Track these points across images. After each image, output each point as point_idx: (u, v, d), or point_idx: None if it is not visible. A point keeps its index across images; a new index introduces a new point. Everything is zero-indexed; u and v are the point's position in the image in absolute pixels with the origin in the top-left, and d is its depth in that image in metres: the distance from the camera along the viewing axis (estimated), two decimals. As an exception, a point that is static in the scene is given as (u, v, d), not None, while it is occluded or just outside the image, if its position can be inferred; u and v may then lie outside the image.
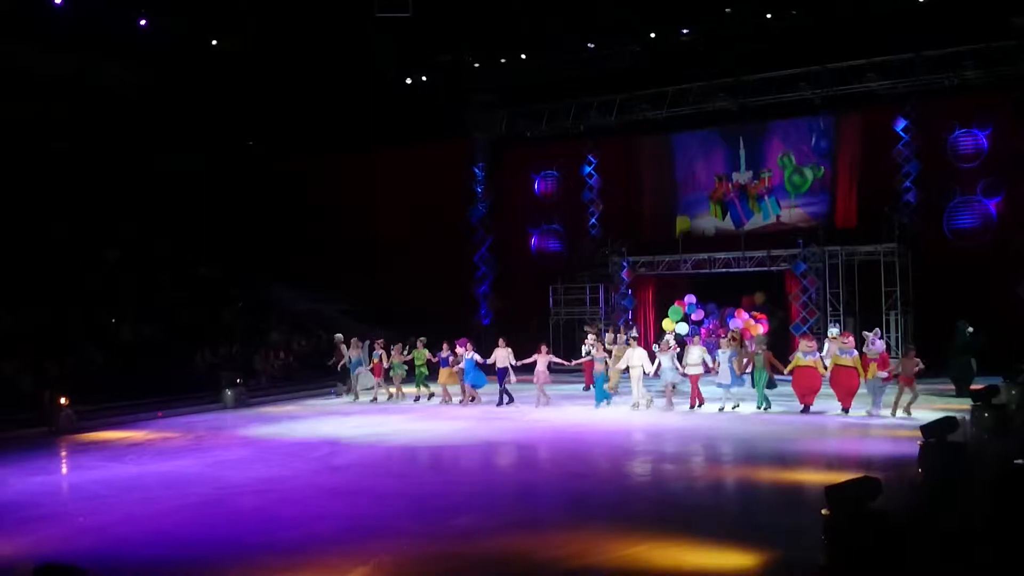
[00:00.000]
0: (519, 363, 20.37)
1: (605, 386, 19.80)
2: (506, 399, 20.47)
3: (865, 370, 17.14)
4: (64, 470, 14.83)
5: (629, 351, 19.42)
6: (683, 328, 25.71)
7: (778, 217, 28.11)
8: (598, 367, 19.71)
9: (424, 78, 29.81)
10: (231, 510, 11.69)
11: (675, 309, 26.33)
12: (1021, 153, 24.88)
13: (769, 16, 25.12)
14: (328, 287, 30.74)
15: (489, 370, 20.76)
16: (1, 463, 15.20)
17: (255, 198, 33.19)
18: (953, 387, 19.70)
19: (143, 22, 24.79)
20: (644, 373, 19.09)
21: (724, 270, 27.15)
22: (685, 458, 14.16)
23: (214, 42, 26.71)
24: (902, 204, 26.14)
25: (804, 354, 17.60)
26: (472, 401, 20.90)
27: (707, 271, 27.44)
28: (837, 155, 27.69)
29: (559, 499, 11.78)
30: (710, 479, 12.48)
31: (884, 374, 17.13)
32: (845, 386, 17.31)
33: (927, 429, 11.15)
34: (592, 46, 27.48)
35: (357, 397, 22.55)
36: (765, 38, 25.82)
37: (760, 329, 26.11)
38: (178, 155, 30.89)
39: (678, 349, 19.76)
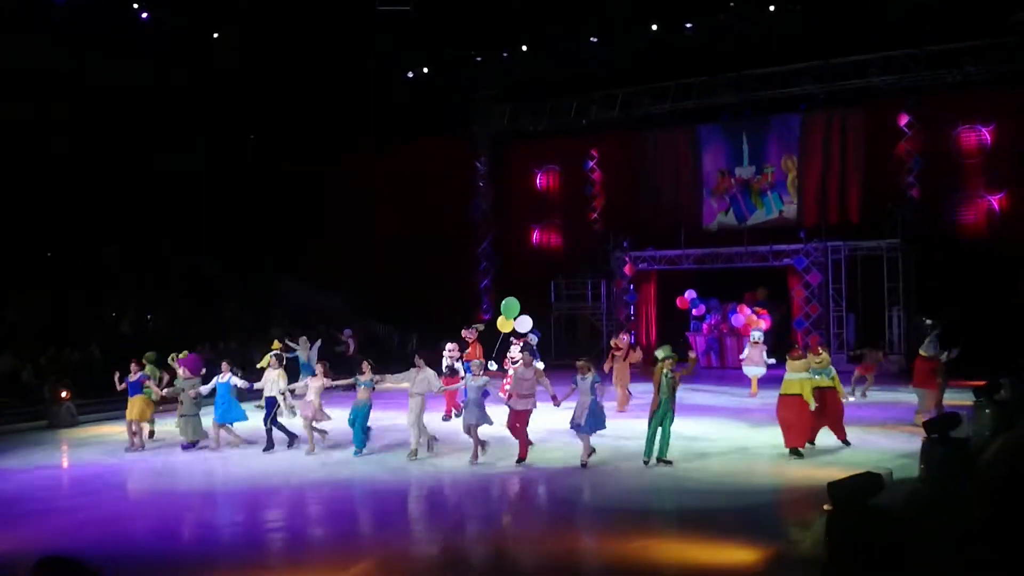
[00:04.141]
0: (287, 387, 15.29)
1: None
2: (288, 438, 14.94)
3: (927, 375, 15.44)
4: (64, 464, 14.80)
5: (412, 371, 14.13)
6: (526, 324, 18.30)
7: (781, 212, 28.04)
8: (361, 395, 14.41)
9: (426, 70, 29.74)
10: (231, 504, 11.69)
11: (510, 302, 18.53)
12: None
13: (772, 9, 25.06)
14: (330, 282, 30.72)
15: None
16: (1, 456, 15.20)
17: (257, 193, 33.18)
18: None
19: (144, 15, 24.77)
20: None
21: (726, 265, 27.11)
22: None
23: (215, 35, 26.68)
24: (905, 199, 26.09)
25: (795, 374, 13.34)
26: (211, 445, 15.09)
27: (709, 266, 27.40)
28: (804, 154, 27.64)
29: (558, 499, 11.73)
30: (709, 476, 12.45)
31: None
32: (834, 416, 13.94)
33: (930, 425, 11.11)
34: (595, 40, 27.41)
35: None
36: (768, 33, 25.76)
37: (763, 325, 26.11)
38: (179, 151, 30.85)
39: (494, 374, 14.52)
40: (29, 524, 10.87)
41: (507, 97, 31.06)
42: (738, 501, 11.05)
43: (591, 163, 31.29)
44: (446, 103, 30.68)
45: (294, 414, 15.96)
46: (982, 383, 12.59)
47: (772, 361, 20.00)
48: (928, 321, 19.27)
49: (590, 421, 12.65)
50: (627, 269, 28.67)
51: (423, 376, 13.97)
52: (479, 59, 29.39)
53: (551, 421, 14.75)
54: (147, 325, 25.45)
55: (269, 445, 14.82)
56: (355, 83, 29.35)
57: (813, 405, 13.13)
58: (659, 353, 13.15)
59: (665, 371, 12.72)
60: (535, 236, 32.47)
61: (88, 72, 27.49)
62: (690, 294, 26.89)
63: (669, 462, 12.78)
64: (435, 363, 16.61)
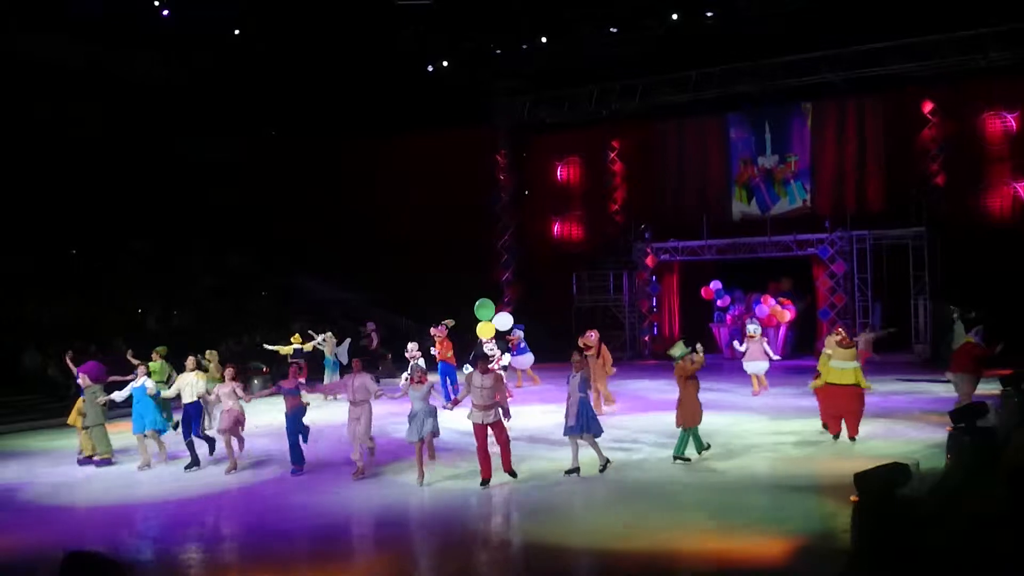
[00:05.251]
0: (209, 395, 13.70)
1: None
2: (207, 443, 13.70)
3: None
4: (94, 459, 14.90)
5: (348, 377, 12.86)
6: (506, 322, 17.92)
7: (804, 201, 27.83)
8: (288, 404, 12.85)
9: (446, 64, 29.71)
10: (260, 498, 11.73)
11: (484, 303, 17.85)
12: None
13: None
14: (352, 275, 30.80)
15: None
16: (30, 453, 15.36)
17: (279, 188, 33.22)
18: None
19: (164, 12, 24.90)
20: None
21: (750, 255, 26.97)
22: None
23: (236, 31, 26.77)
24: (930, 188, 25.83)
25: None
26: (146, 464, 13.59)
27: (732, 256, 27.26)
28: (817, 143, 27.41)
29: (584, 489, 11.71)
30: (733, 469, 12.41)
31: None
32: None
33: (956, 415, 11.04)
34: (614, 30, 27.26)
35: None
36: (790, 20, 25.51)
37: (787, 315, 25.96)
38: (200, 147, 30.95)
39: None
40: (58, 519, 10.99)
41: (527, 89, 30.97)
42: (764, 493, 11.01)
43: (612, 154, 31.19)
44: (466, 96, 30.62)
45: (195, 461, 13.52)
46: (1009, 372, 12.48)
47: (778, 356, 19.52)
48: (955, 311, 19.06)
49: (581, 422, 11.63)
50: (649, 260, 28.58)
51: (360, 382, 12.45)
52: (498, 51, 29.31)
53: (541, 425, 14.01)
54: (172, 321, 25.64)
55: (193, 462, 13.28)
56: (375, 77, 29.33)
57: (870, 386, 13.54)
58: (677, 351, 12.80)
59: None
60: (556, 228, 32.42)
61: (112, 69, 27.65)
62: (715, 284, 26.77)
63: (707, 446, 12.89)
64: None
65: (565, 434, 11.96)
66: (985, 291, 21.92)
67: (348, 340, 21.31)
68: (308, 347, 20.64)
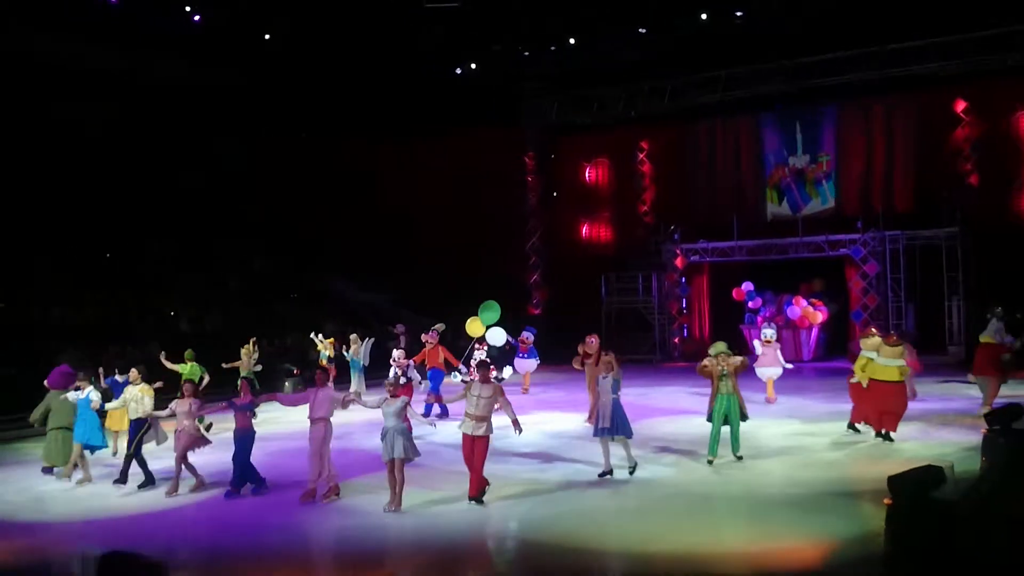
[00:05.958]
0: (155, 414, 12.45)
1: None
2: (145, 476, 12.40)
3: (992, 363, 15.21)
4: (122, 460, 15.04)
5: (311, 391, 11.73)
6: (498, 338, 17.10)
7: (836, 202, 27.58)
8: (239, 422, 11.80)
9: (473, 66, 29.75)
10: (287, 498, 11.79)
11: (490, 306, 16.91)
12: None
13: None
14: (379, 277, 30.90)
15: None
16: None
17: (306, 190, 33.37)
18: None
19: (196, 17, 25.10)
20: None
21: (781, 256, 26.78)
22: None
23: (266, 36, 26.93)
24: (964, 187, 25.53)
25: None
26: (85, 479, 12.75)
27: (763, 257, 27.08)
28: (843, 143, 27.21)
29: (614, 492, 11.68)
30: (765, 473, 12.33)
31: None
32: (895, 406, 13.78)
33: (991, 417, 10.93)
34: (643, 31, 27.16)
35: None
36: (819, 19, 25.34)
37: (819, 317, 25.76)
38: (233, 148, 31.15)
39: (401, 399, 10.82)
40: (91, 521, 11.09)
41: (554, 90, 30.98)
42: (796, 496, 10.93)
43: (640, 155, 31.09)
44: (493, 98, 30.62)
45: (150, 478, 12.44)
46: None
47: (789, 366, 18.44)
48: (998, 310, 18.75)
49: (614, 424, 11.57)
50: (678, 262, 28.47)
51: (324, 395, 11.44)
52: (526, 53, 29.31)
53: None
54: (205, 323, 25.86)
55: (147, 480, 12.28)
56: (403, 80, 29.43)
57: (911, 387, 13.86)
58: (712, 350, 13.07)
59: (722, 368, 12.56)
60: (585, 230, 32.36)
61: (141, 71, 27.86)
62: (747, 286, 26.60)
63: (739, 458, 12.65)
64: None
65: (596, 435, 11.94)
66: (1020, 291, 21.66)
67: (370, 340, 21.33)
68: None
